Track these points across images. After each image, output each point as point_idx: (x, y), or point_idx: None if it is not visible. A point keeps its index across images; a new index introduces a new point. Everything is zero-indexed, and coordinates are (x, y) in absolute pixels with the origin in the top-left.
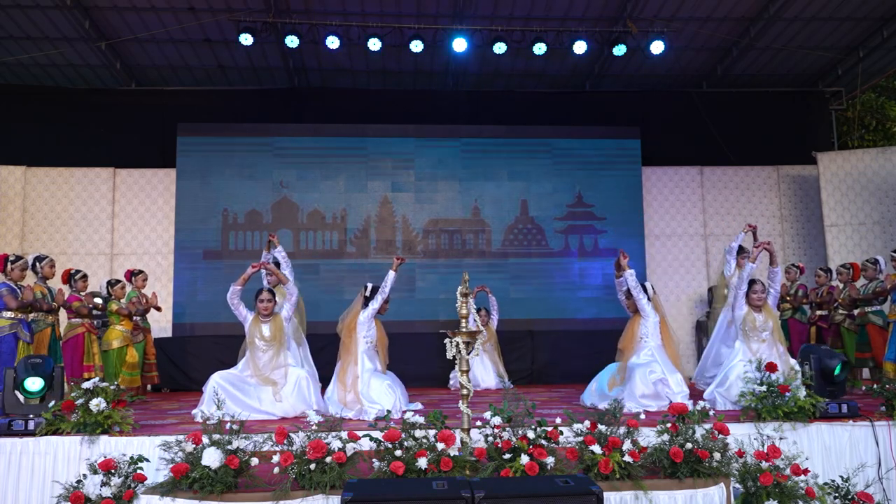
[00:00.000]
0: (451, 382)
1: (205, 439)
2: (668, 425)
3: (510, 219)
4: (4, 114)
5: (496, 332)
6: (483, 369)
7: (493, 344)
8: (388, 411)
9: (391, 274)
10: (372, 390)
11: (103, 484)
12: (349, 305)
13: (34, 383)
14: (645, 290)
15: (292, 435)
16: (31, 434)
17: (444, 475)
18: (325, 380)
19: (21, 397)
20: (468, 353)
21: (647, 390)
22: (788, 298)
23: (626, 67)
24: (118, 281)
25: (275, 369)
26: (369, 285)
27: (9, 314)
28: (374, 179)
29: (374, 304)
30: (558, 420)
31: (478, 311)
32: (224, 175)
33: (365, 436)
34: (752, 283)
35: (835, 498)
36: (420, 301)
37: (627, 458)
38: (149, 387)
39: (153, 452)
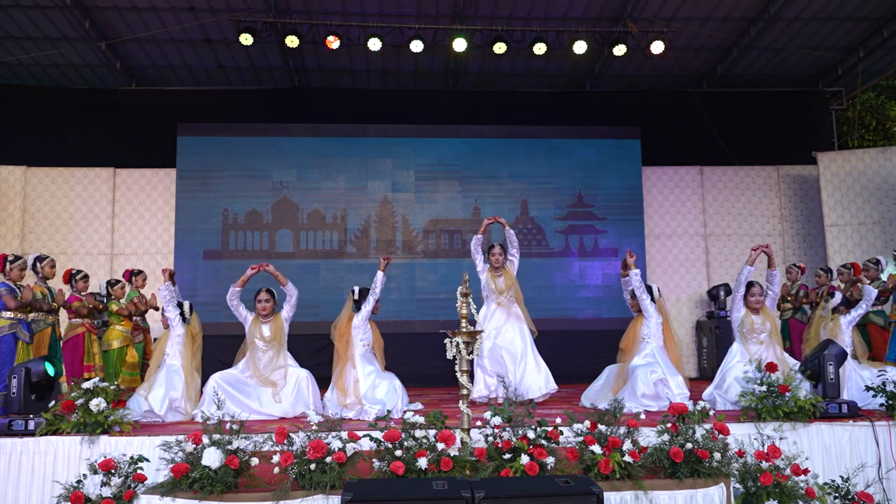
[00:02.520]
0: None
1: (205, 439)
2: (669, 425)
3: (510, 219)
4: (4, 114)
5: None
6: (506, 326)
7: (514, 294)
8: (389, 411)
9: (380, 274)
10: (377, 391)
11: (103, 484)
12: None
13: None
14: (650, 292)
15: (292, 435)
16: (31, 434)
17: (444, 475)
18: (325, 379)
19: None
20: (468, 353)
21: (648, 390)
22: (790, 298)
23: (626, 67)
24: (118, 281)
25: (275, 370)
26: (356, 288)
27: (8, 314)
28: (374, 179)
29: (367, 307)
30: (558, 420)
31: (490, 248)
32: (224, 175)
33: (365, 436)
34: (749, 285)
35: (835, 498)
36: (420, 301)
37: (627, 458)
38: None
39: (153, 452)
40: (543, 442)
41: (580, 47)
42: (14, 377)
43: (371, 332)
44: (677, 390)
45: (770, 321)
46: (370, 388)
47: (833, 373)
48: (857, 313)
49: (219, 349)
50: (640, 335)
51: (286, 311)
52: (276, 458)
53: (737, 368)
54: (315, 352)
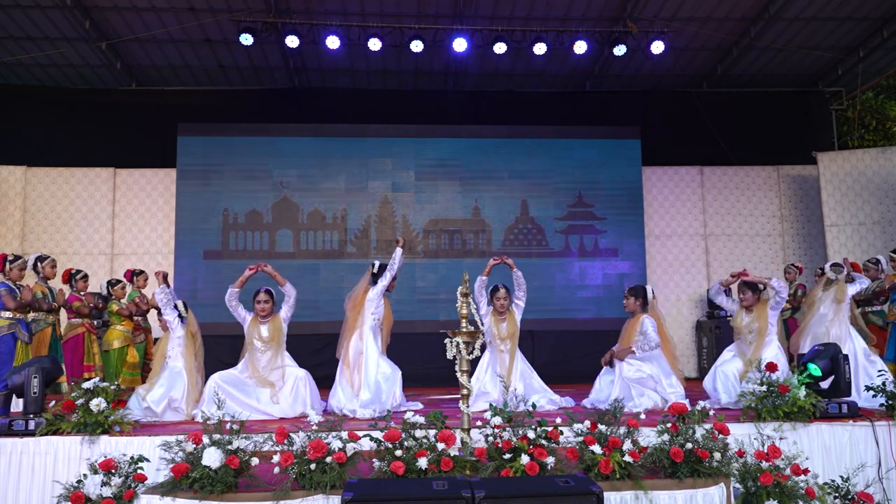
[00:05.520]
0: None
1: (205, 439)
2: (669, 425)
3: (510, 219)
4: (4, 114)
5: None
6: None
7: (512, 344)
8: (389, 411)
9: (398, 251)
10: (379, 371)
11: (104, 484)
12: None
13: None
14: (644, 294)
15: (293, 435)
16: (32, 434)
17: (444, 475)
18: (324, 379)
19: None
20: (468, 354)
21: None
22: (788, 298)
23: (627, 67)
24: (118, 281)
25: (273, 370)
26: (377, 262)
27: (7, 314)
28: (374, 179)
29: (383, 282)
30: (558, 420)
31: (494, 290)
32: (224, 175)
33: (365, 436)
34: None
35: (835, 498)
36: (420, 301)
37: (628, 458)
38: None
39: (153, 452)
40: (543, 442)
41: (580, 47)
42: (35, 377)
43: (383, 308)
44: (671, 389)
45: (760, 322)
46: (377, 366)
47: (849, 372)
48: (861, 286)
49: (219, 349)
50: (636, 336)
51: (285, 312)
52: (276, 458)
53: (723, 360)
54: (315, 352)
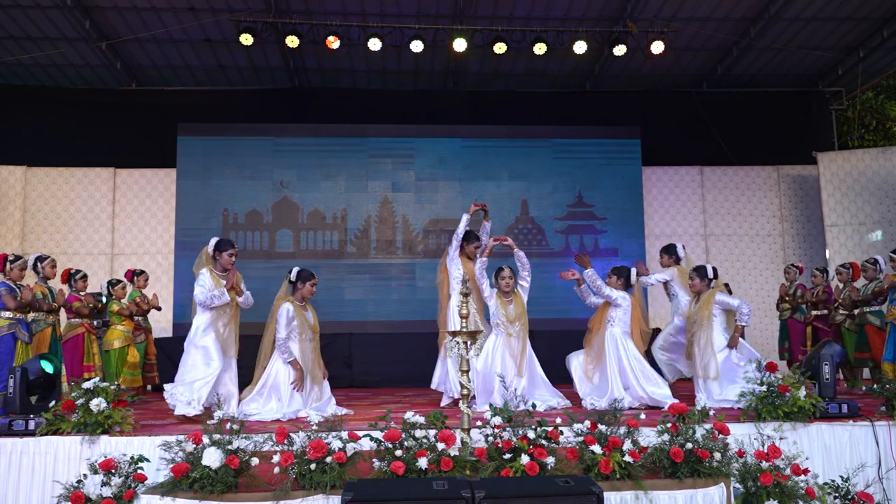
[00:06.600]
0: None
1: (205, 439)
2: (669, 425)
3: (510, 219)
4: (4, 114)
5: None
6: (502, 365)
7: (521, 327)
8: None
9: (465, 216)
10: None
11: (104, 484)
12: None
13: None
14: (628, 274)
15: (292, 435)
16: (32, 434)
17: (444, 475)
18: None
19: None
20: (468, 353)
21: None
22: (787, 298)
23: (627, 67)
24: (119, 281)
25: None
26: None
27: (7, 314)
28: (374, 179)
29: (450, 247)
30: (558, 420)
31: (498, 270)
32: (224, 175)
33: (365, 436)
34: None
35: (835, 498)
36: (420, 301)
37: (628, 458)
38: (149, 387)
39: (153, 452)
40: (543, 442)
41: (580, 47)
42: (11, 377)
43: (462, 268)
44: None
45: (702, 311)
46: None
47: (829, 373)
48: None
49: None
50: (607, 317)
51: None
52: (276, 458)
53: None
54: None
